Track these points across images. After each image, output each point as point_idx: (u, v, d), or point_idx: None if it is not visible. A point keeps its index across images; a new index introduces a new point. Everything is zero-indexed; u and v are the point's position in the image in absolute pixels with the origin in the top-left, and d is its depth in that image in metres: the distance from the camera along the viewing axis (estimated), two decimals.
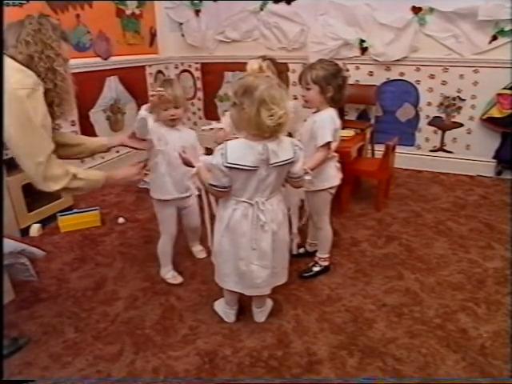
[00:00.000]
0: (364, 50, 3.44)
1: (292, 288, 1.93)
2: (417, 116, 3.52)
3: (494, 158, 3.29)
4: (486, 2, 2.90)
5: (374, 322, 1.72)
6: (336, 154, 1.92)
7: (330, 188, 1.90)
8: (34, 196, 2.47)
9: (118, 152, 3.67)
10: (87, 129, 3.31)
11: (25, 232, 2.46)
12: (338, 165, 1.95)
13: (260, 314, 1.73)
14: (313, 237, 2.17)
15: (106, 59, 3.39)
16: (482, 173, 3.38)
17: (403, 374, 1.46)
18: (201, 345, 1.61)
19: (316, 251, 2.08)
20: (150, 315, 1.79)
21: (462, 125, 3.38)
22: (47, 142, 1.41)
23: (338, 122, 1.81)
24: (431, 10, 3.13)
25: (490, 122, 3.17)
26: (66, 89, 1.48)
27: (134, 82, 3.72)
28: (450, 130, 3.44)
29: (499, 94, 3.05)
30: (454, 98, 3.33)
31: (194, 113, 4.44)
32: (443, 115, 3.42)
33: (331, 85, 1.74)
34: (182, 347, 1.60)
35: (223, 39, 3.94)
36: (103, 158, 3.52)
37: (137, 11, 3.69)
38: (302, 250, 2.19)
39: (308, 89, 1.78)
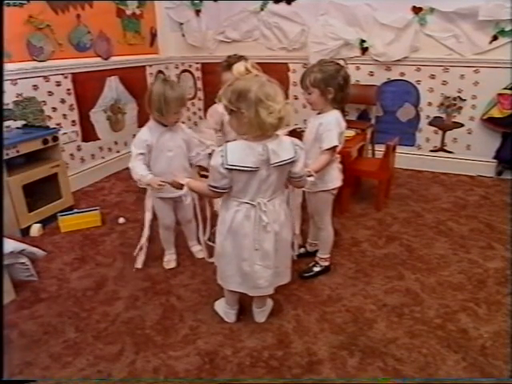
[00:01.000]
0: (364, 50, 3.43)
1: (292, 288, 1.93)
2: (417, 116, 3.52)
3: (495, 158, 3.28)
4: (487, 2, 2.90)
5: (374, 322, 1.72)
6: (338, 156, 1.92)
7: (332, 189, 1.90)
8: (34, 196, 2.48)
9: (118, 152, 3.68)
10: (87, 129, 3.31)
11: (25, 232, 2.46)
12: (341, 166, 1.95)
13: (260, 314, 1.73)
14: (313, 237, 2.17)
15: (106, 59, 3.38)
16: (483, 173, 3.38)
17: (404, 374, 1.46)
18: (201, 345, 1.61)
19: (316, 251, 2.08)
20: (150, 315, 1.79)
21: (462, 125, 3.38)
22: None
23: (343, 125, 1.81)
24: (432, 10, 3.13)
25: (490, 122, 3.17)
26: None
27: (135, 82, 3.72)
28: (450, 130, 3.44)
29: (500, 94, 3.05)
30: (454, 98, 3.33)
31: (194, 113, 4.44)
32: (444, 115, 3.42)
33: (331, 86, 1.73)
34: (182, 347, 1.60)
35: (224, 39, 3.93)
36: (103, 157, 3.53)
37: (137, 11, 3.69)
38: (302, 250, 2.18)
39: (309, 93, 1.78)
